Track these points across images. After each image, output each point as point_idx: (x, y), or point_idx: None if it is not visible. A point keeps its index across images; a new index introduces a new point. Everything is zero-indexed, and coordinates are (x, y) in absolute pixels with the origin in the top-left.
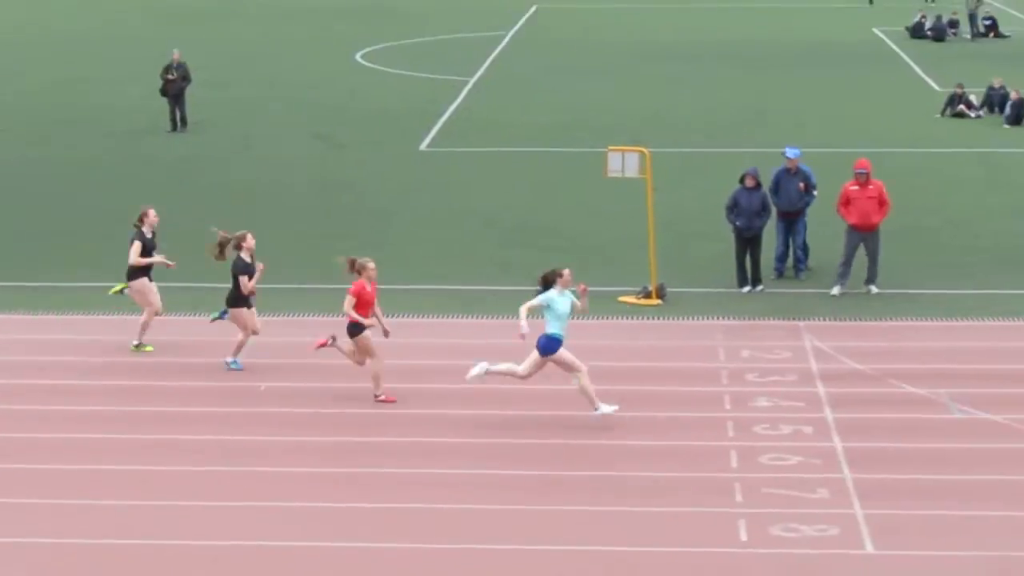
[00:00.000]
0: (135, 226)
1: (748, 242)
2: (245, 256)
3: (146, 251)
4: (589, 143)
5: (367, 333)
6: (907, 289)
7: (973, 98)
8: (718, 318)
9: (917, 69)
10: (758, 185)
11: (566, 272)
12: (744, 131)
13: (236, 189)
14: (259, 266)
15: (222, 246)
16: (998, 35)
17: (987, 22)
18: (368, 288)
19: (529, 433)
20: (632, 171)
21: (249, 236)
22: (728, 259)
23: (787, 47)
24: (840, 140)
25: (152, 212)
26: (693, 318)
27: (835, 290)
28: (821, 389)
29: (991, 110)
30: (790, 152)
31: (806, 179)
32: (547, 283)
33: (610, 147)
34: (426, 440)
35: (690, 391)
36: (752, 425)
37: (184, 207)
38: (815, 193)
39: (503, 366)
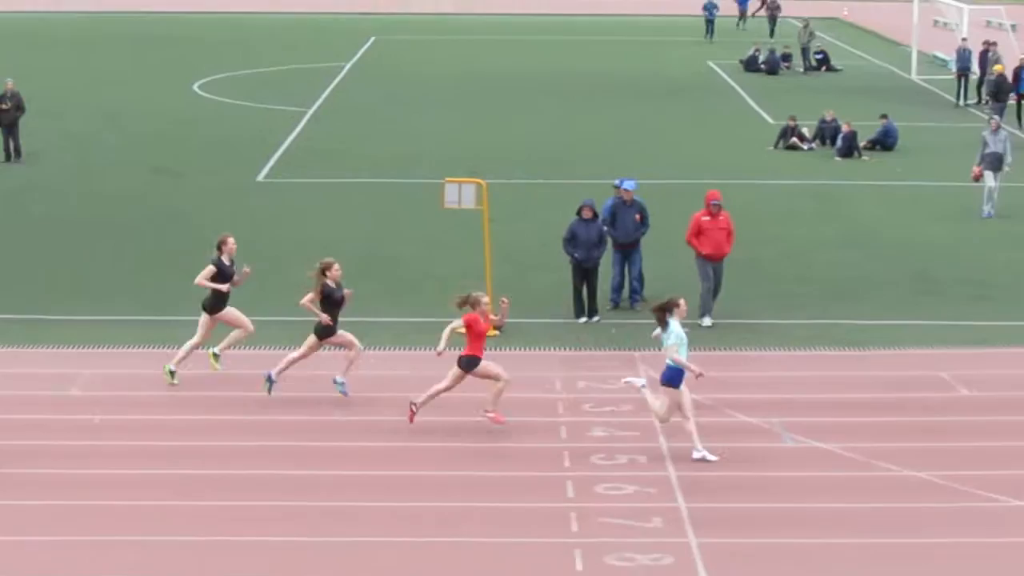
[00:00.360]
0: (215, 253)
1: (585, 273)
2: (331, 283)
3: (223, 278)
4: (427, 174)
5: (484, 362)
6: (742, 319)
7: (805, 131)
8: (555, 348)
9: (751, 102)
10: (595, 216)
11: (682, 302)
12: (581, 163)
13: (70, 220)
14: (347, 292)
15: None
16: (830, 69)
17: (819, 56)
18: (482, 321)
19: (350, 464)
20: (469, 202)
21: (336, 266)
22: (565, 289)
23: (623, 79)
24: (676, 172)
25: (231, 240)
26: (530, 348)
27: (706, 321)
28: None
29: (823, 143)
30: (626, 184)
31: (641, 211)
32: (665, 312)
33: (447, 178)
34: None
35: (527, 421)
36: (588, 455)
37: (17, 239)
38: (648, 224)
39: (654, 404)
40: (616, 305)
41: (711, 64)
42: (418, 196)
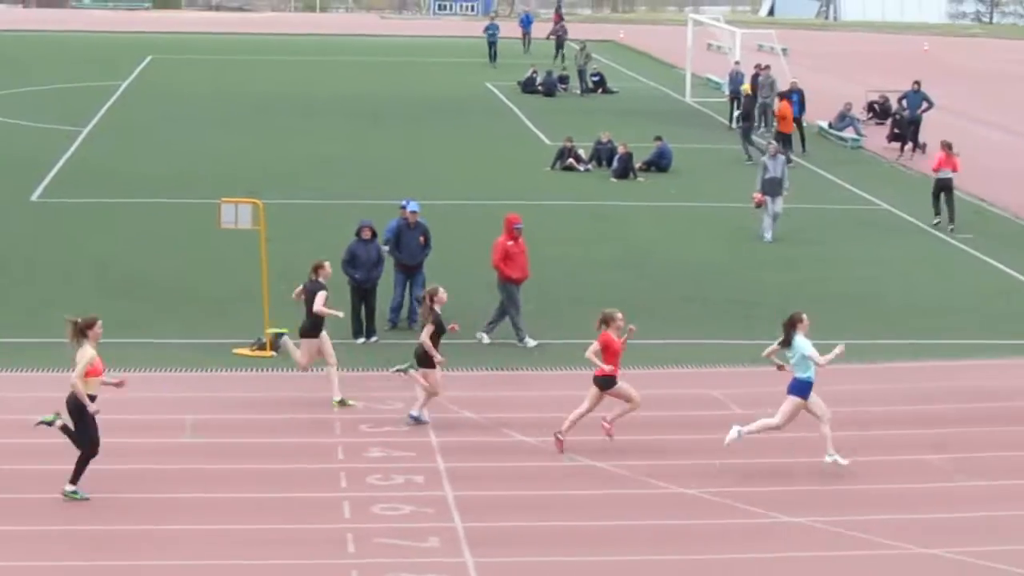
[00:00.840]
0: (311, 278)
1: (364, 293)
2: (438, 308)
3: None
4: (205, 194)
5: (621, 383)
6: (516, 340)
7: (582, 152)
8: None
9: (528, 123)
10: (374, 236)
11: (805, 317)
12: (360, 183)
13: None
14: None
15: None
16: (606, 91)
17: (595, 78)
18: (617, 339)
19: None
20: (245, 222)
21: (441, 291)
22: (343, 309)
23: (405, 100)
24: (456, 192)
25: (327, 264)
26: (307, 369)
27: (531, 343)
28: (433, 439)
29: (599, 164)
30: (410, 206)
31: (424, 232)
32: (793, 327)
33: (223, 198)
34: None
35: (303, 442)
36: (365, 476)
37: None
38: (431, 246)
39: (754, 425)
40: (394, 325)
41: (489, 85)
42: (195, 216)
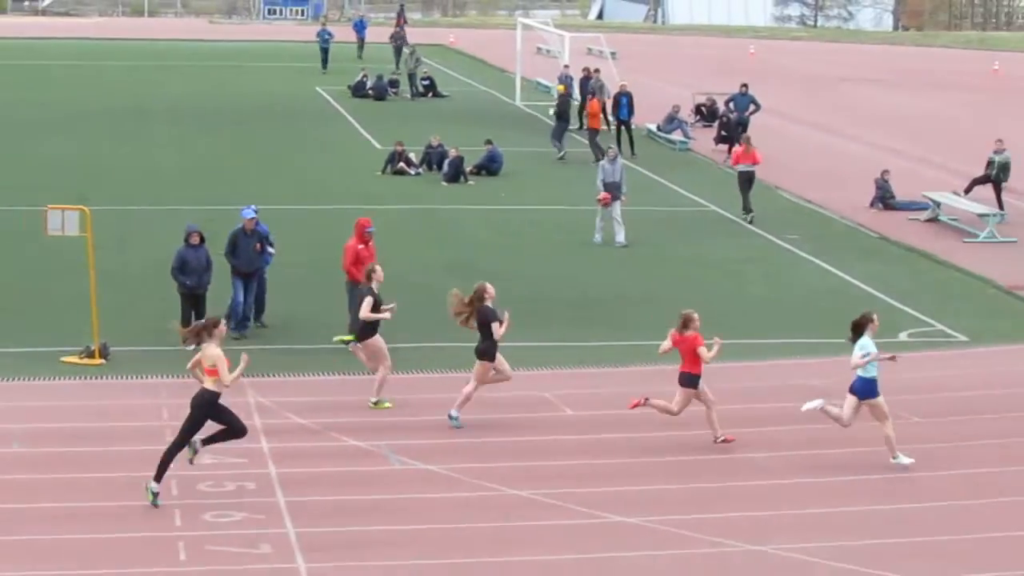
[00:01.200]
0: (363, 284)
1: (195, 300)
2: (489, 303)
3: (376, 307)
4: (32, 201)
5: (703, 385)
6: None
7: (413, 156)
8: (163, 376)
9: (359, 127)
10: (202, 241)
11: (876, 317)
12: (191, 189)
13: None
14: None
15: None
16: (436, 95)
17: (425, 82)
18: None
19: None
20: (72, 229)
21: (489, 286)
22: (173, 316)
23: (234, 106)
24: (289, 197)
25: (380, 269)
26: (137, 377)
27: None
28: (265, 445)
29: (430, 168)
30: (246, 213)
31: (262, 239)
32: (859, 329)
33: (50, 206)
34: None
35: (134, 450)
36: (196, 483)
37: None
38: (272, 251)
39: (836, 410)
40: (242, 334)
41: (319, 90)
42: (21, 223)
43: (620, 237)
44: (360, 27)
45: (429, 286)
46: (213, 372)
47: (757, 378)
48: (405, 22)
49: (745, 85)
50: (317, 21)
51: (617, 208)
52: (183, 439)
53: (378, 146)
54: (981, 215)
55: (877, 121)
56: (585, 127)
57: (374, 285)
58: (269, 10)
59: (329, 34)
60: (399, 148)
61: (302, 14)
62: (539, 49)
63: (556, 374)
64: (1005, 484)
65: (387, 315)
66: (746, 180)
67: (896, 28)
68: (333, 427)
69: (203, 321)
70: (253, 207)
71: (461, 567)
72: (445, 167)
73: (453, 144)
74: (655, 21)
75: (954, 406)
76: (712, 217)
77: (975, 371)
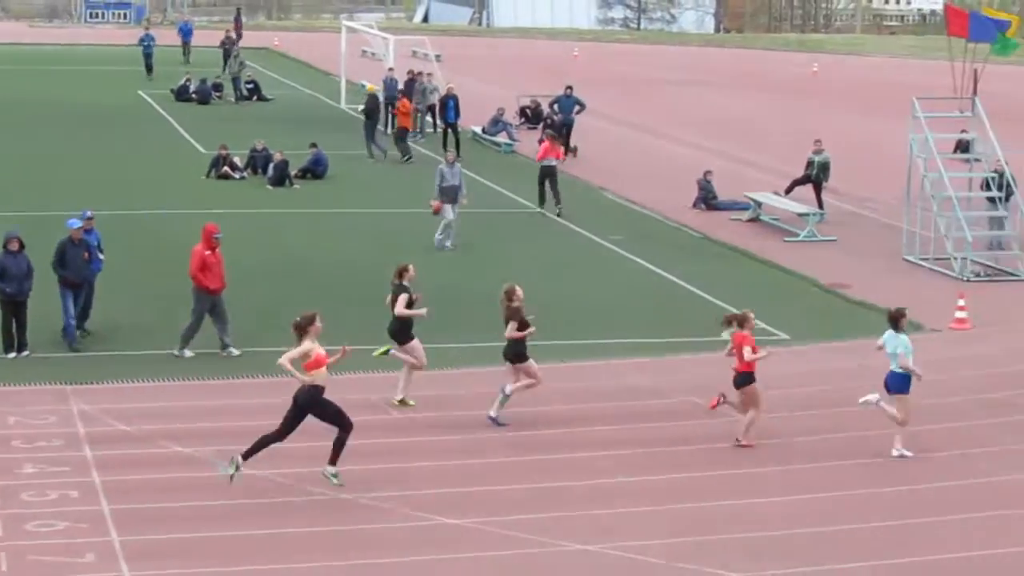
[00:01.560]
0: (394, 282)
1: (16, 307)
2: (516, 304)
3: (409, 304)
4: None
5: (755, 386)
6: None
7: (237, 160)
8: None
9: (183, 131)
10: (22, 247)
11: (906, 311)
12: (11, 195)
13: None
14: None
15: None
16: (261, 98)
17: (250, 86)
18: (749, 338)
19: None
20: None
21: (518, 288)
22: None
23: (54, 111)
24: (112, 203)
25: (412, 267)
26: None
27: (188, 353)
28: (88, 453)
29: (255, 171)
30: (72, 223)
31: (89, 248)
32: (896, 322)
33: None
34: None
35: None
36: (19, 492)
37: None
38: (102, 258)
39: (888, 410)
40: (72, 345)
41: (142, 94)
42: None
43: (448, 243)
44: (186, 31)
45: (257, 291)
46: (312, 366)
47: (583, 378)
48: (240, 27)
49: (570, 87)
50: (139, 25)
51: (454, 211)
52: (283, 433)
53: (202, 150)
54: (801, 214)
55: (700, 123)
56: (397, 127)
57: (406, 282)
58: (91, 13)
59: (152, 40)
60: (223, 152)
61: (124, 17)
62: (364, 52)
63: (387, 377)
64: (815, 480)
65: (423, 312)
66: (548, 175)
67: (718, 30)
68: (158, 434)
69: (299, 319)
70: (88, 212)
71: (288, 573)
72: (270, 171)
73: (278, 148)
74: (480, 24)
75: (770, 403)
76: (537, 219)
77: (793, 368)
